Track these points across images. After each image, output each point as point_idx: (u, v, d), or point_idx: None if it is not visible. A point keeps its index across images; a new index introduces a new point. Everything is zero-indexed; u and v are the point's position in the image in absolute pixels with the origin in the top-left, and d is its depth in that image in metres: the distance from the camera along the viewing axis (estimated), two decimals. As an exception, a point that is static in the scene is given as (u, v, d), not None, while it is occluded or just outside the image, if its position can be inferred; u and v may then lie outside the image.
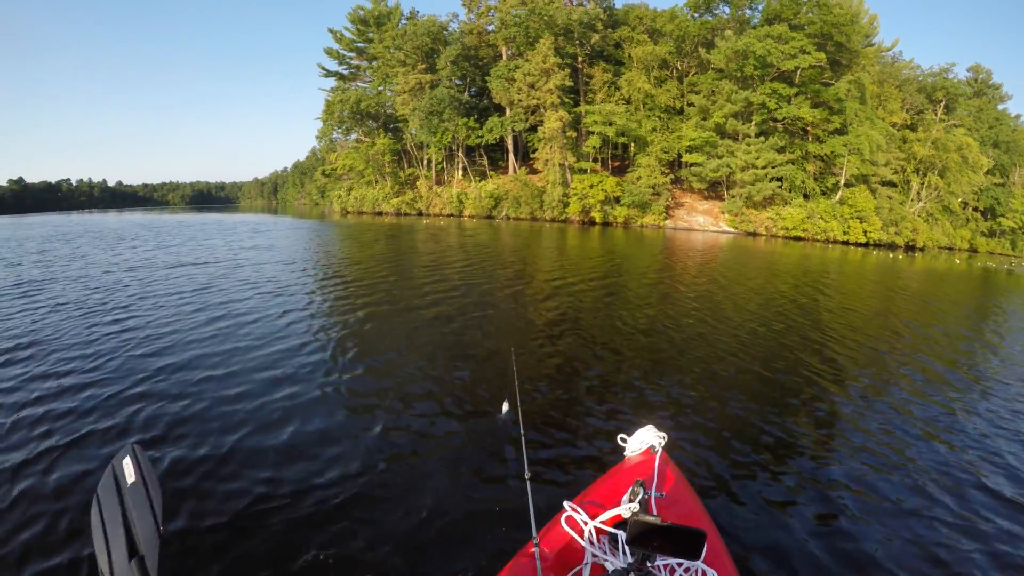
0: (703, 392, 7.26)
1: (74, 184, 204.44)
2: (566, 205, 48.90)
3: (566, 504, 2.88)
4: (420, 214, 57.51)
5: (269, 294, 12.44)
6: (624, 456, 3.66)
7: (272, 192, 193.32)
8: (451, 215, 55.29)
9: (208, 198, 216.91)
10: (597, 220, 47.99)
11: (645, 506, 2.79)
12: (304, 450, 5.20)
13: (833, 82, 45.91)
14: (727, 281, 17.39)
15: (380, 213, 58.84)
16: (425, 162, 61.29)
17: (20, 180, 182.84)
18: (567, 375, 7.68)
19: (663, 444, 3.53)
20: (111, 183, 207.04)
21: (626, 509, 2.74)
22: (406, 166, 63.36)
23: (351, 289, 13.66)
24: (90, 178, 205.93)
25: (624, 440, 3.73)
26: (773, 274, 19.87)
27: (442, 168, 60.31)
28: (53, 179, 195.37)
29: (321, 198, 77.06)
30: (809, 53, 43.07)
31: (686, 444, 5.62)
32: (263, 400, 6.31)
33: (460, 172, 58.78)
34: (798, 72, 44.97)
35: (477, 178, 57.13)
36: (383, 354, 8.29)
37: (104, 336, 8.72)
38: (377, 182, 62.06)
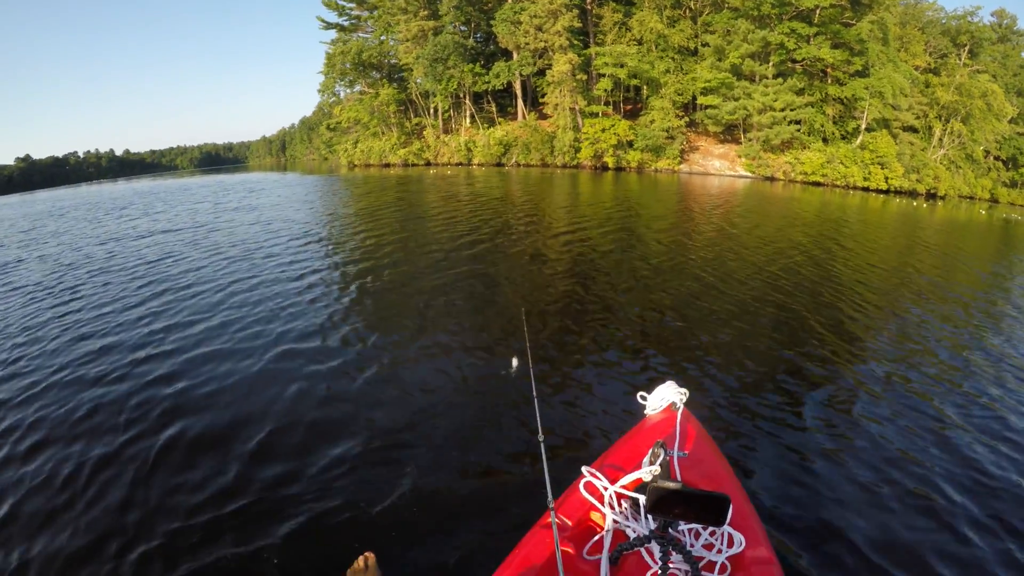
0: (723, 346, 6.97)
1: (81, 156, 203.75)
2: (577, 150, 47.53)
3: (584, 469, 2.81)
4: (428, 164, 56.40)
5: (246, 260, 12.10)
6: (645, 415, 3.54)
7: (281, 149, 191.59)
8: (460, 164, 54.12)
9: (217, 159, 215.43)
10: (610, 165, 46.60)
11: (667, 468, 2.63)
12: (314, 418, 5.17)
13: (854, 22, 43.90)
14: (743, 232, 16.34)
15: (387, 165, 57.79)
16: (431, 111, 59.82)
17: (27, 157, 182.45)
18: (579, 332, 7.42)
19: (684, 400, 3.41)
20: (118, 152, 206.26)
21: (647, 472, 2.59)
22: (412, 116, 61.94)
23: (338, 252, 13.07)
24: (97, 149, 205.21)
25: (644, 398, 3.61)
26: (790, 224, 18.60)
27: (449, 116, 58.91)
28: (60, 153, 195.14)
29: (330, 153, 75.76)
30: (829, -11, 41.07)
31: (706, 399, 5.42)
32: (200, 379, 6.10)
33: (468, 120, 57.38)
34: (817, 12, 43.03)
35: (485, 125, 55.75)
36: (387, 322, 7.98)
37: (43, 322, 8.55)
38: (383, 133, 60.79)
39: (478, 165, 52.60)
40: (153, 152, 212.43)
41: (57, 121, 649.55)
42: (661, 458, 2.60)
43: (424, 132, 59.62)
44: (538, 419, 3.06)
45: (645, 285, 9.95)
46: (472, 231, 14.88)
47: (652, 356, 6.62)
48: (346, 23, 65.83)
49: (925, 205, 33.61)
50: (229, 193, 31.33)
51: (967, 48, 55.38)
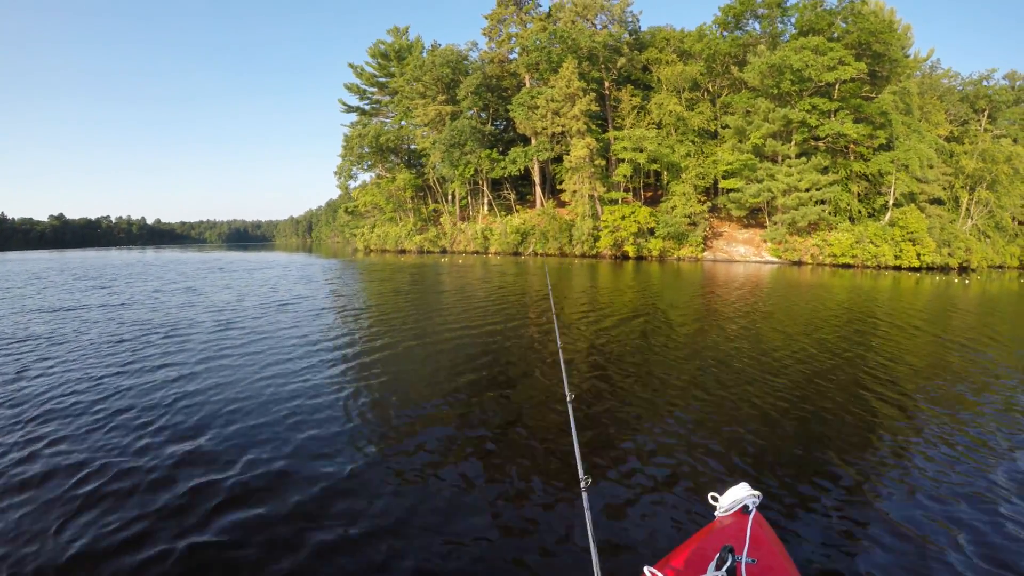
0: (777, 442, 6.40)
1: (113, 221, 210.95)
2: (596, 239, 46.56)
3: (647, 570, 2.63)
4: (444, 252, 55.92)
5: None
6: (715, 516, 3.37)
7: (307, 230, 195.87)
8: (476, 252, 53.50)
9: (245, 236, 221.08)
10: (630, 254, 45.46)
11: (733, 574, 2.56)
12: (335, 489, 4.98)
13: (874, 96, 42.88)
14: (772, 323, 14.38)
15: (403, 251, 57.53)
16: (449, 197, 59.80)
17: (61, 216, 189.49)
18: (632, 427, 6.80)
19: (757, 504, 3.24)
20: (150, 220, 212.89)
21: None
22: (430, 202, 62.01)
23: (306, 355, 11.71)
24: (129, 215, 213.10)
25: (715, 498, 3.45)
26: (815, 316, 16.52)
27: (466, 203, 58.76)
28: (93, 216, 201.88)
29: (352, 236, 76.35)
30: (849, 64, 40.29)
31: (777, 504, 4.91)
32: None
33: (485, 207, 57.08)
34: (837, 86, 42.26)
35: (503, 212, 55.33)
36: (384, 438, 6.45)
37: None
38: (400, 219, 60.71)
39: (494, 254, 51.92)
40: (183, 224, 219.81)
41: (93, 183, 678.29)
42: (728, 563, 2.58)
43: (441, 218, 59.42)
44: (587, 515, 2.67)
45: (677, 380, 9.08)
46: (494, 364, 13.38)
47: (712, 454, 5.99)
48: (367, 107, 67.14)
49: (956, 281, 31.26)
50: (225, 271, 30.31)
51: (986, 113, 54.84)
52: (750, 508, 3.24)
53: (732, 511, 3.31)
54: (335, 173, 62.60)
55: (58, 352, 10.20)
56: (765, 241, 44.45)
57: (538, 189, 55.00)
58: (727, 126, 46.65)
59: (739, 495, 3.33)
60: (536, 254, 49.75)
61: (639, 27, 53.73)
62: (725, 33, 50.07)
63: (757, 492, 3.33)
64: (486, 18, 56.96)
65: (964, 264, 42.80)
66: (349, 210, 69.99)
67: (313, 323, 13.30)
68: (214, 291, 20.82)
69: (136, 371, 8.73)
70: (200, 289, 21.68)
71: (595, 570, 2.36)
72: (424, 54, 59.74)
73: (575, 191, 46.67)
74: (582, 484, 2.97)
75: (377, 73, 64.57)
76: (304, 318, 14.05)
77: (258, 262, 42.75)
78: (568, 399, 3.98)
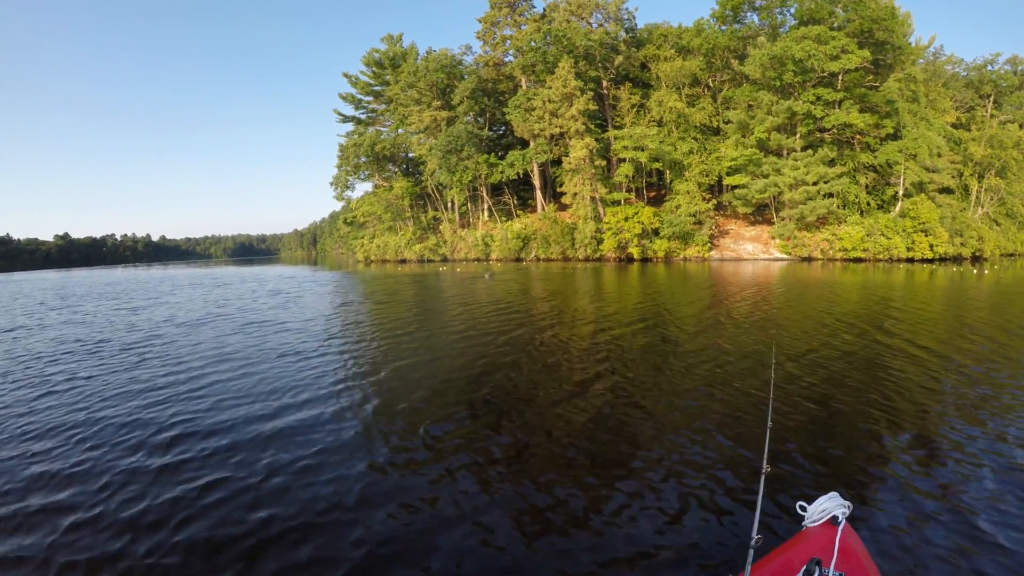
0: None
1: (118, 239, 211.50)
2: (600, 242, 45.49)
3: None
4: (444, 260, 54.97)
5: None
6: (803, 526, 3.30)
7: (312, 242, 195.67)
8: (477, 259, 52.58)
9: (250, 250, 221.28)
10: (635, 256, 44.35)
11: None
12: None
13: (878, 85, 41.70)
14: (783, 325, 13.26)
15: (403, 260, 56.68)
16: (448, 204, 58.86)
17: (66, 235, 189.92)
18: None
19: (847, 515, 3.14)
20: (155, 238, 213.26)
21: None
22: (429, 209, 61.05)
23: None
24: (134, 233, 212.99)
25: (803, 508, 3.36)
26: (825, 315, 15.32)
27: (466, 210, 57.86)
28: (98, 234, 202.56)
29: (361, 248, 76.10)
30: (852, 52, 39.13)
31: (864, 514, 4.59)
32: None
33: (485, 213, 56.11)
34: (841, 76, 41.08)
35: (503, 218, 54.34)
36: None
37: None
38: (399, 228, 59.87)
39: (496, 260, 50.96)
40: (188, 240, 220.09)
41: (97, 202, 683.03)
42: None
43: (440, 226, 58.53)
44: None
45: (689, 385, 8.23)
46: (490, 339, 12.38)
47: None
48: (363, 116, 66.37)
49: (971, 271, 30.00)
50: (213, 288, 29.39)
51: (992, 98, 54.16)
52: (839, 519, 3.14)
53: (820, 522, 3.21)
54: (331, 184, 61.87)
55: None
56: (773, 238, 43.29)
57: (538, 193, 54.00)
58: (729, 121, 45.54)
59: (828, 505, 3.24)
60: (538, 259, 48.74)
61: (635, 24, 52.78)
62: (724, 27, 48.99)
63: (847, 502, 3.23)
64: (480, 21, 56.05)
65: (977, 253, 41.57)
66: (348, 221, 69.24)
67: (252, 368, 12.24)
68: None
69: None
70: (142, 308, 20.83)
71: None
72: (419, 60, 59.01)
73: (576, 193, 45.62)
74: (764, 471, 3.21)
75: (372, 82, 63.80)
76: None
77: (238, 277, 41.73)
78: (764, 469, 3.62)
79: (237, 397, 8.39)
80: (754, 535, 2.74)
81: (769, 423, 4.57)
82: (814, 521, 3.26)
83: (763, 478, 3.39)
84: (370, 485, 5.31)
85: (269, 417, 7.36)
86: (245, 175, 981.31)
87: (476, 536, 4.43)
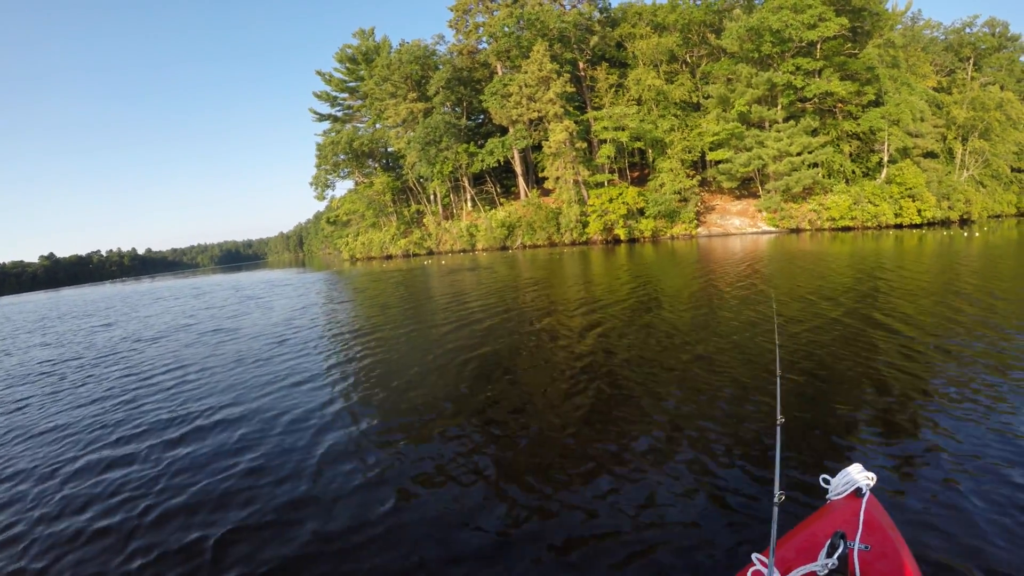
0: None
1: (104, 255, 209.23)
2: (585, 225, 44.88)
3: (754, 556, 2.63)
4: (430, 253, 54.27)
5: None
6: (827, 499, 3.26)
7: (298, 244, 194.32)
8: (463, 250, 51.90)
9: (237, 256, 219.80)
10: (622, 237, 43.76)
11: (845, 562, 2.51)
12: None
13: (857, 52, 41.21)
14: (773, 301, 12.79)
15: (389, 256, 55.93)
16: (430, 197, 58.08)
17: (51, 255, 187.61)
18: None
19: (871, 486, 3.09)
20: (140, 251, 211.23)
21: (821, 566, 2.46)
22: (412, 203, 60.25)
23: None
24: (119, 247, 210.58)
25: (827, 480, 3.32)
26: (813, 290, 14.66)
27: (449, 201, 57.16)
28: (84, 252, 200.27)
29: (345, 246, 75.30)
30: (830, 20, 38.57)
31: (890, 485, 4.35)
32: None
33: (468, 203, 55.42)
34: (819, 45, 40.51)
35: (487, 207, 53.66)
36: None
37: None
38: (383, 224, 59.08)
39: (482, 250, 50.31)
40: (175, 251, 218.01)
41: (80, 220, 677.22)
42: (840, 550, 2.48)
43: (424, 219, 57.80)
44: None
45: (684, 366, 7.53)
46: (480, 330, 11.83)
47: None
48: (339, 113, 65.35)
49: (960, 234, 29.57)
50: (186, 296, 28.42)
51: (971, 61, 53.84)
52: (864, 491, 3.08)
53: (844, 494, 3.16)
54: (311, 184, 60.84)
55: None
56: (760, 211, 42.79)
57: (521, 180, 53.33)
58: (709, 96, 44.97)
59: (852, 477, 3.18)
60: (524, 246, 48.13)
61: (609, 3, 52.26)
62: (698, 1, 48.46)
63: (872, 474, 3.17)
64: (451, 10, 54.98)
65: (965, 216, 41.23)
66: (331, 220, 68.36)
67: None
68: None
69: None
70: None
71: None
72: (392, 53, 58.09)
73: (559, 177, 44.97)
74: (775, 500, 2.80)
75: (346, 78, 62.81)
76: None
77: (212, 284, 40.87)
78: (779, 421, 3.52)
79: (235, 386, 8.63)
80: (776, 492, 2.68)
81: (779, 372, 4.48)
82: (838, 494, 3.20)
83: (779, 428, 3.32)
84: (356, 475, 5.25)
85: (265, 409, 7.43)
86: (228, 182, 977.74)
87: (471, 521, 4.33)
